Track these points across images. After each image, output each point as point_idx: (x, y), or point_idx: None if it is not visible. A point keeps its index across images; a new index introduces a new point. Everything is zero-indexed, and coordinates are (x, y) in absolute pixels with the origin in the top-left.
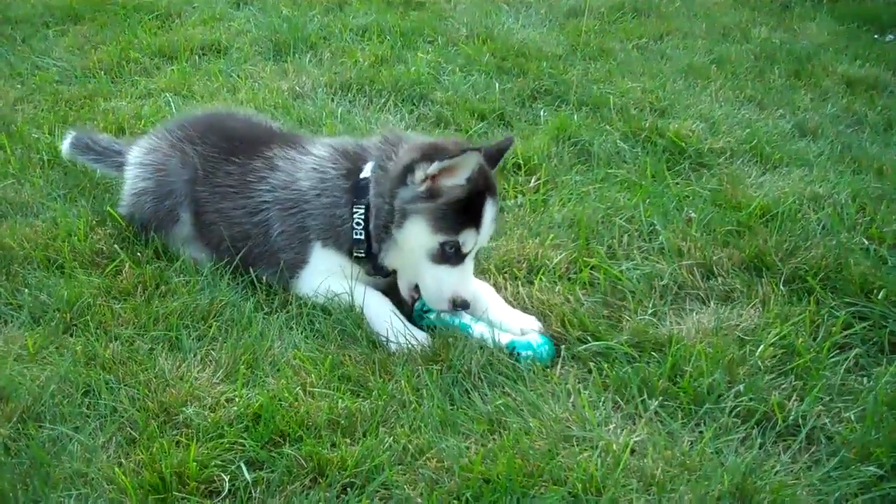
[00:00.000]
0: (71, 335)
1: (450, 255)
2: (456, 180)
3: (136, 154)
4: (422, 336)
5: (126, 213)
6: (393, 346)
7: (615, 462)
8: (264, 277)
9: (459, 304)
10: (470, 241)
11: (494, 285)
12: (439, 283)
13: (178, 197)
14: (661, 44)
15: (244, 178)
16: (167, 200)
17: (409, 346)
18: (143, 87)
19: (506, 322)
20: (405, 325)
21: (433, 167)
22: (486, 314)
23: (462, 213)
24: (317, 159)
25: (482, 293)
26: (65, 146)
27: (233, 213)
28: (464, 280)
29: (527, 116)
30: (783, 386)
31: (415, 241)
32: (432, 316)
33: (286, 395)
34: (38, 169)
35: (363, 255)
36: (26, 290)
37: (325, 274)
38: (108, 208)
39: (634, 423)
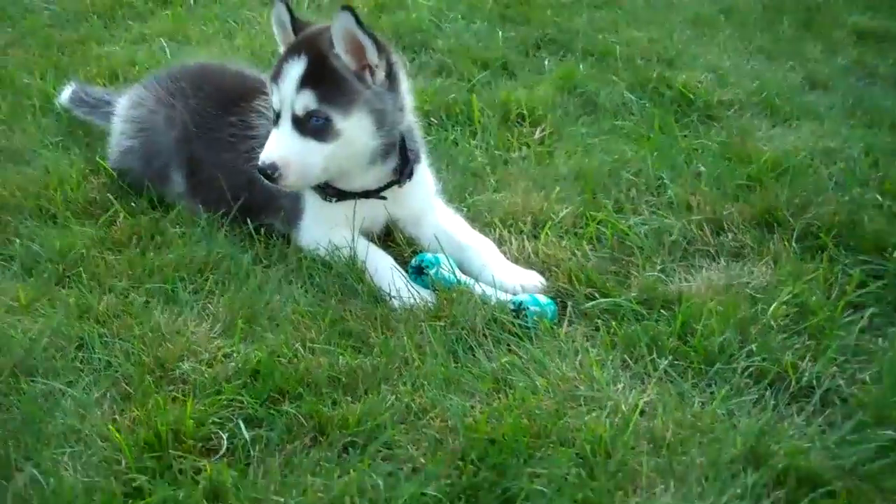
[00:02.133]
0: (63, 287)
1: (274, 118)
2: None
3: (122, 107)
4: (425, 292)
5: (114, 167)
6: (395, 303)
7: (624, 423)
8: (263, 229)
9: (259, 171)
10: (274, 97)
11: (498, 239)
12: None
13: (167, 157)
14: None
15: (244, 128)
16: (155, 160)
17: (413, 302)
18: (136, 32)
19: (505, 279)
20: (408, 282)
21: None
22: (485, 270)
23: (272, 70)
24: None
25: (481, 249)
26: (63, 97)
27: (236, 162)
28: (268, 142)
29: (531, 65)
30: (796, 346)
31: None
32: (432, 272)
33: (285, 350)
34: (29, 115)
35: None
36: (17, 241)
37: (325, 223)
38: (100, 159)
39: (643, 383)
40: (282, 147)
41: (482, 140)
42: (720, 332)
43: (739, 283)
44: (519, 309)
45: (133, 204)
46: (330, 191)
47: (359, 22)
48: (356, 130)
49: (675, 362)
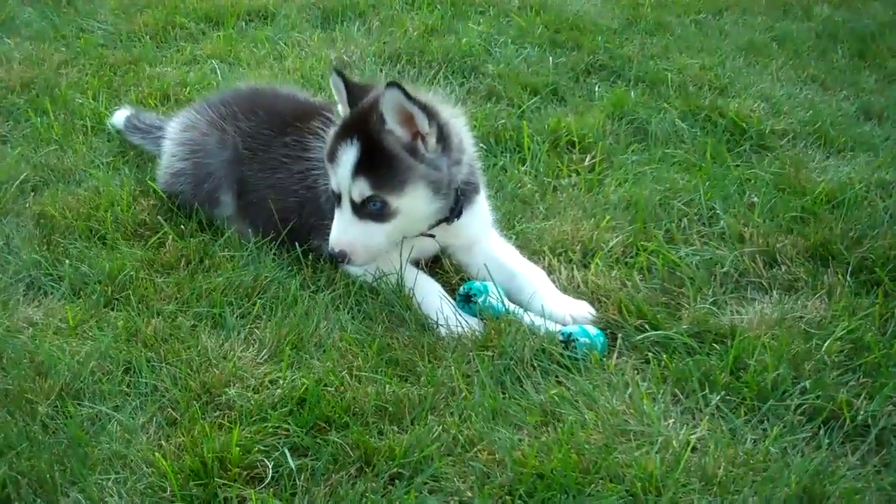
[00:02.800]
0: (112, 309)
1: (335, 195)
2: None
3: (174, 130)
4: (473, 321)
5: (165, 189)
6: (443, 331)
7: (675, 460)
8: (311, 255)
9: (330, 255)
10: (333, 179)
11: (547, 267)
12: None
13: (218, 179)
14: (720, 19)
15: (298, 148)
16: (206, 183)
17: (460, 331)
18: (188, 54)
19: (555, 308)
20: (456, 310)
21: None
22: (534, 298)
23: (328, 149)
24: None
25: (530, 277)
26: (117, 122)
27: (286, 184)
28: (334, 227)
29: (581, 92)
30: (851, 383)
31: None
32: (480, 300)
33: (332, 378)
34: (81, 135)
35: None
36: (67, 262)
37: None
38: (150, 181)
39: (695, 419)
40: (346, 233)
41: (531, 167)
42: (773, 368)
43: (793, 318)
44: (568, 340)
45: (182, 226)
46: None
47: (407, 95)
48: (413, 205)
49: (727, 398)
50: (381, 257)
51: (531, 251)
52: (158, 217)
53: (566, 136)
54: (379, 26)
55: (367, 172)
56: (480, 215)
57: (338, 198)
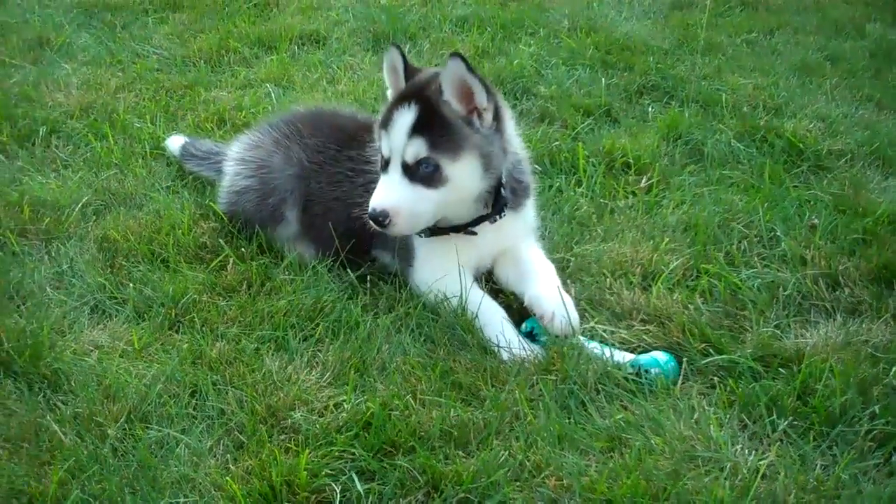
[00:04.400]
0: (176, 331)
1: (383, 165)
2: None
3: (237, 150)
4: (536, 347)
5: (226, 210)
6: (505, 355)
7: (745, 487)
8: (369, 277)
9: (371, 217)
10: (384, 144)
11: (609, 289)
12: None
13: (283, 194)
14: (772, 39)
15: (362, 161)
16: (271, 198)
17: (523, 356)
18: (243, 78)
19: (534, 299)
20: (518, 335)
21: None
22: (529, 286)
23: (382, 117)
24: None
25: (537, 269)
26: (174, 149)
27: (352, 195)
28: (379, 189)
29: (634, 112)
30: None
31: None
32: (542, 339)
33: (396, 402)
34: (140, 159)
35: None
36: (131, 285)
37: (437, 263)
38: (211, 203)
39: (763, 444)
40: (392, 194)
41: (587, 188)
42: (841, 393)
43: (858, 341)
44: (639, 371)
45: (243, 249)
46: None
47: (469, 67)
48: (465, 175)
49: (795, 423)
50: (441, 263)
51: (590, 274)
52: (219, 240)
53: (621, 157)
54: (430, 48)
55: (423, 134)
56: (525, 220)
57: (386, 164)
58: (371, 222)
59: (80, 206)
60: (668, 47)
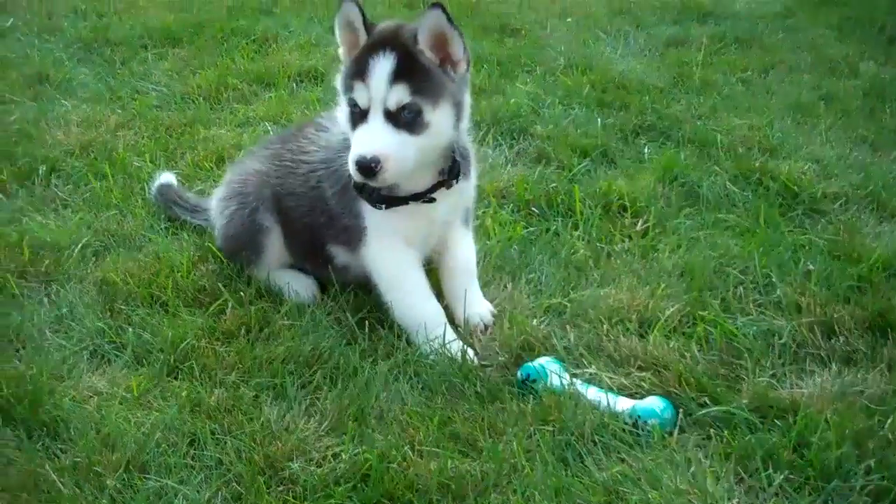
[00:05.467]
0: (175, 378)
1: (357, 117)
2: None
3: (219, 191)
4: (456, 347)
5: (221, 245)
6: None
7: None
8: (367, 323)
9: (359, 166)
10: (361, 93)
11: (606, 335)
12: (350, 148)
13: (257, 201)
14: (766, 77)
15: (298, 152)
16: (247, 209)
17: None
18: (241, 115)
19: (454, 305)
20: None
21: (336, 35)
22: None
23: (354, 68)
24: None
25: (460, 260)
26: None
27: (296, 186)
28: (363, 137)
29: (630, 153)
30: None
31: (342, 117)
32: (539, 386)
33: (394, 453)
34: (139, 199)
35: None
36: (130, 329)
37: (387, 237)
38: (210, 244)
39: (759, 498)
40: (379, 140)
41: (584, 232)
42: (837, 446)
43: (853, 392)
44: (636, 420)
45: (241, 293)
46: (376, 196)
47: (449, 18)
48: (443, 121)
49: (791, 476)
50: (392, 236)
51: (587, 320)
52: (218, 283)
53: (618, 200)
54: None
55: (405, 80)
56: (472, 190)
57: (363, 114)
58: (358, 173)
59: (79, 247)
60: (664, 86)
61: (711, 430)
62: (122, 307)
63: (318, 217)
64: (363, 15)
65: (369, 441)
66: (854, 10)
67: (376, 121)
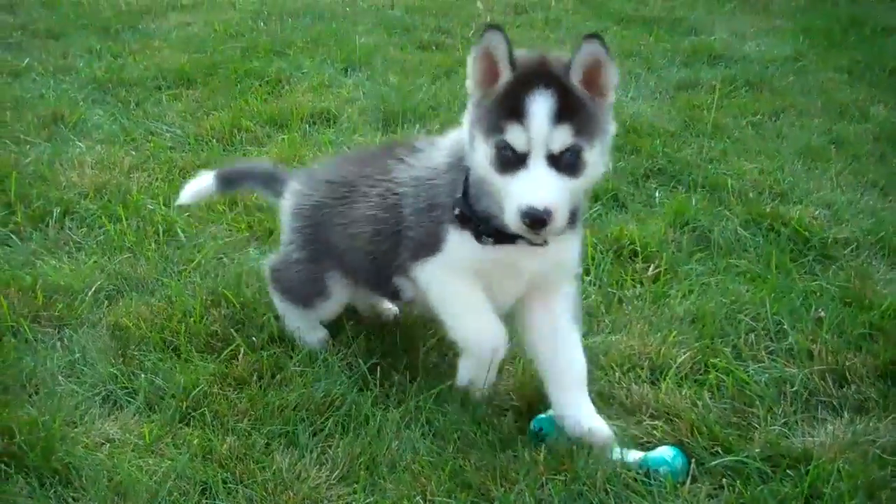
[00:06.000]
0: (187, 424)
1: (510, 161)
2: (502, 77)
3: (289, 202)
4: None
5: (273, 278)
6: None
7: None
8: (379, 369)
9: (531, 219)
10: (517, 135)
11: (618, 383)
12: (509, 197)
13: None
14: (777, 121)
15: (378, 174)
16: (314, 263)
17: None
18: (254, 157)
19: (576, 422)
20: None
21: (469, 66)
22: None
23: (505, 106)
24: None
25: (570, 371)
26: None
27: (360, 215)
28: (530, 186)
29: (641, 197)
30: None
31: (479, 156)
32: (551, 440)
33: (406, 503)
34: (153, 242)
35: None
36: (142, 375)
37: (457, 270)
38: (224, 290)
39: None
40: (548, 189)
41: (595, 277)
42: (850, 497)
43: (866, 441)
44: (647, 471)
45: (253, 338)
46: (483, 229)
47: (605, 48)
48: (598, 160)
49: None
50: (463, 271)
51: (599, 367)
52: (230, 329)
53: (629, 245)
54: (440, 129)
55: (567, 119)
56: (577, 245)
57: (521, 158)
58: (526, 225)
59: (92, 290)
60: (675, 129)
61: (724, 480)
62: (135, 352)
63: (382, 244)
64: (509, 45)
65: (381, 491)
66: (864, 54)
67: (539, 167)
